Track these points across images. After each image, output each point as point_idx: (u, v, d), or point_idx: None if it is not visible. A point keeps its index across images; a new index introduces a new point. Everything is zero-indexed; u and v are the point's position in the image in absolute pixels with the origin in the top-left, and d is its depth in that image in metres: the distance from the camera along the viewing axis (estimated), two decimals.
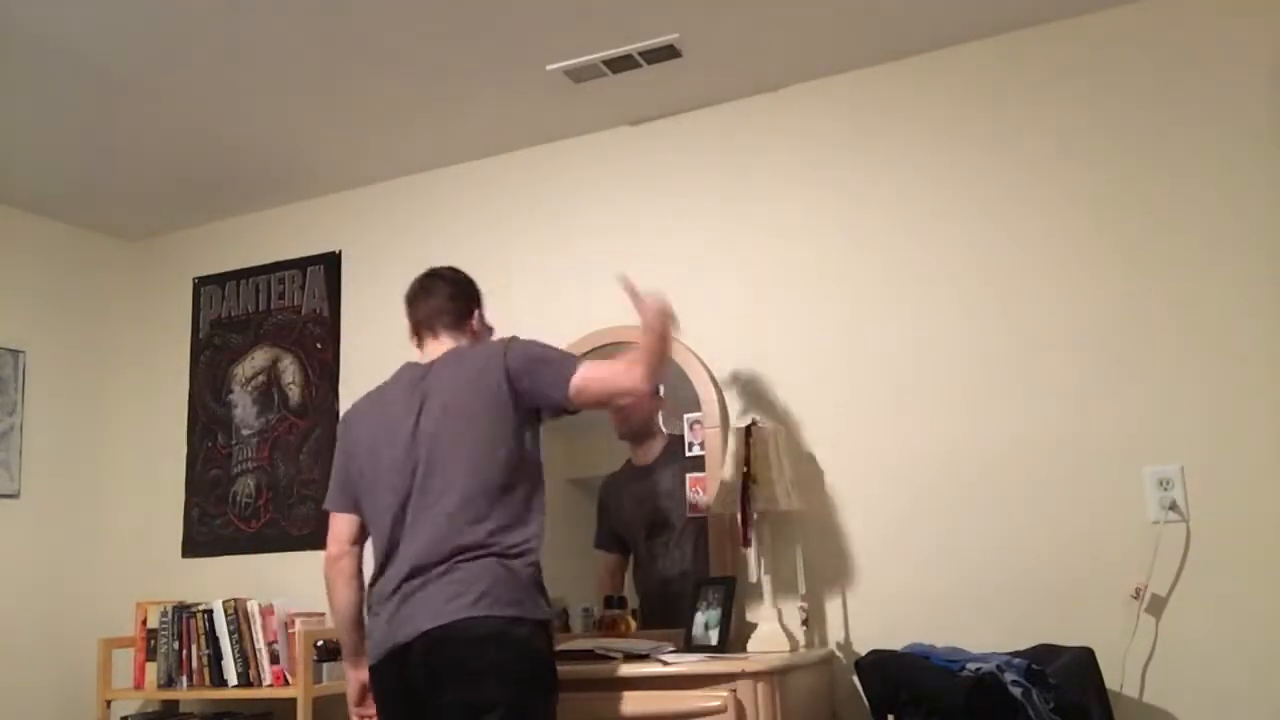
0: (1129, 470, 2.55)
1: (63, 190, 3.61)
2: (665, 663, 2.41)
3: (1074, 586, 2.55)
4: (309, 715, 2.97)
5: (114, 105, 3.03)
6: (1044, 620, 2.54)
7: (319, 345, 3.66)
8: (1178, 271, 2.58)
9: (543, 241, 3.35)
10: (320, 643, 3.06)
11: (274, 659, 3.12)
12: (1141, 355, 2.58)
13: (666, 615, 2.85)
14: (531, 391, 2.23)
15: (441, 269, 2.49)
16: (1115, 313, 2.62)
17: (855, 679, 2.56)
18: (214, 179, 3.58)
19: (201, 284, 3.94)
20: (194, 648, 3.22)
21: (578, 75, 2.95)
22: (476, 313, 2.44)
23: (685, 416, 2.98)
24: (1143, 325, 2.59)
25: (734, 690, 2.30)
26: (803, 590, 2.75)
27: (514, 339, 2.31)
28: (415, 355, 2.40)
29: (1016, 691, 2.13)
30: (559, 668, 2.15)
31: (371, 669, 2.17)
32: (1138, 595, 2.48)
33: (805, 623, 2.71)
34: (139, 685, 3.30)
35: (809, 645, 2.73)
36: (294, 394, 3.67)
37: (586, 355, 2.80)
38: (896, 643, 2.53)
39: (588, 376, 2.20)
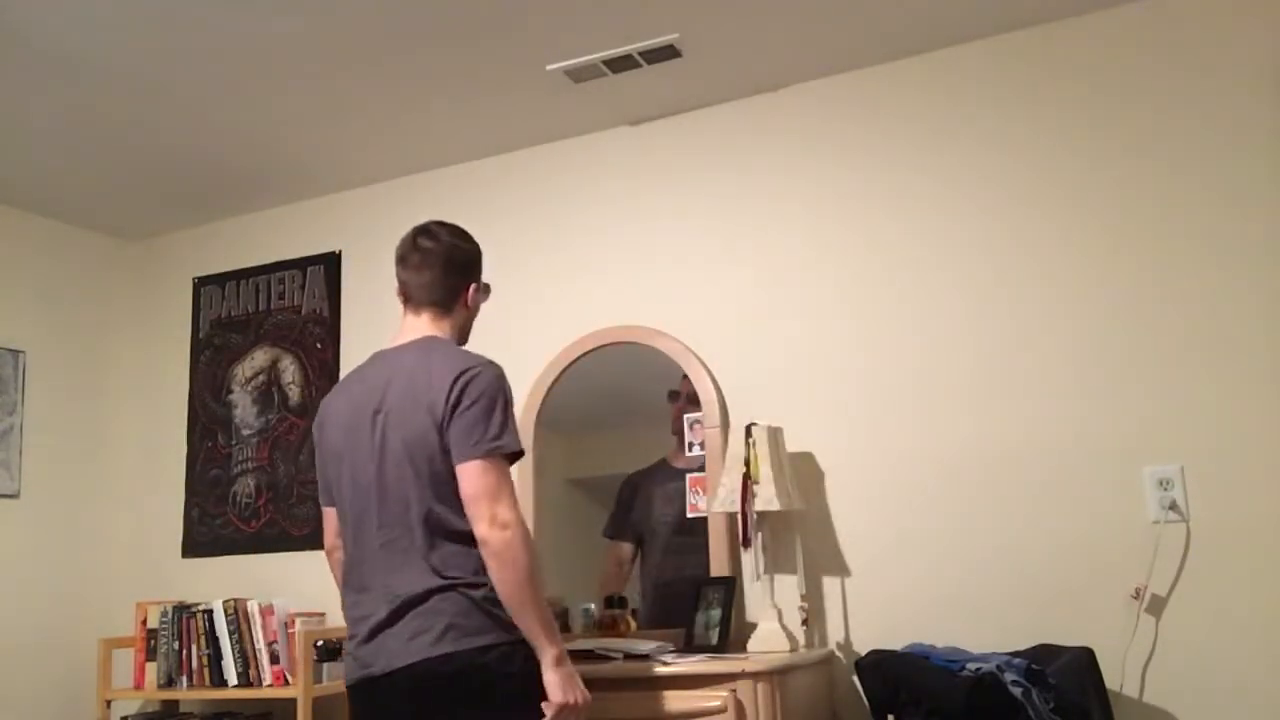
0: (1129, 470, 2.55)
1: (63, 190, 3.61)
2: (665, 663, 2.41)
3: (1074, 586, 2.55)
4: (309, 715, 2.97)
5: (114, 105, 3.03)
6: (1044, 620, 2.54)
7: (319, 345, 3.66)
8: (1178, 271, 2.58)
9: (542, 241, 3.35)
10: (320, 643, 3.06)
11: (274, 659, 3.12)
12: (1142, 355, 2.58)
13: (675, 609, 2.83)
14: (450, 437, 2.03)
15: (439, 230, 2.24)
16: (1116, 313, 2.62)
17: (855, 679, 2.56)
18: (214, 179, 3.58)
19: (201, 284, 3.94)
20: (194, 648, 3.22)
21: (578, 75, 2.95)
22: (472, 287, 2.24)
23: (685, 416, 2.98)
24: (1143, 325, 2.59)
25: (734, 690, 2.30)
26: (803, 590, 2.75)
27: (472, 379, 2.04)
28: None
29: (1016, 691, 2.13)
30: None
31: (348, 688, 2.09)
32: (1138, 595, 2.48)
33: (805, 623, 2.71)
34: (139, 685, 3.30)
35: (809, 645, 2.73)
36: (294, 394, 3.67)
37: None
38: (896, 643, 2.54)
39: (480, 477, 1.97)
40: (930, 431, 2.76)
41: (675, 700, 2.33)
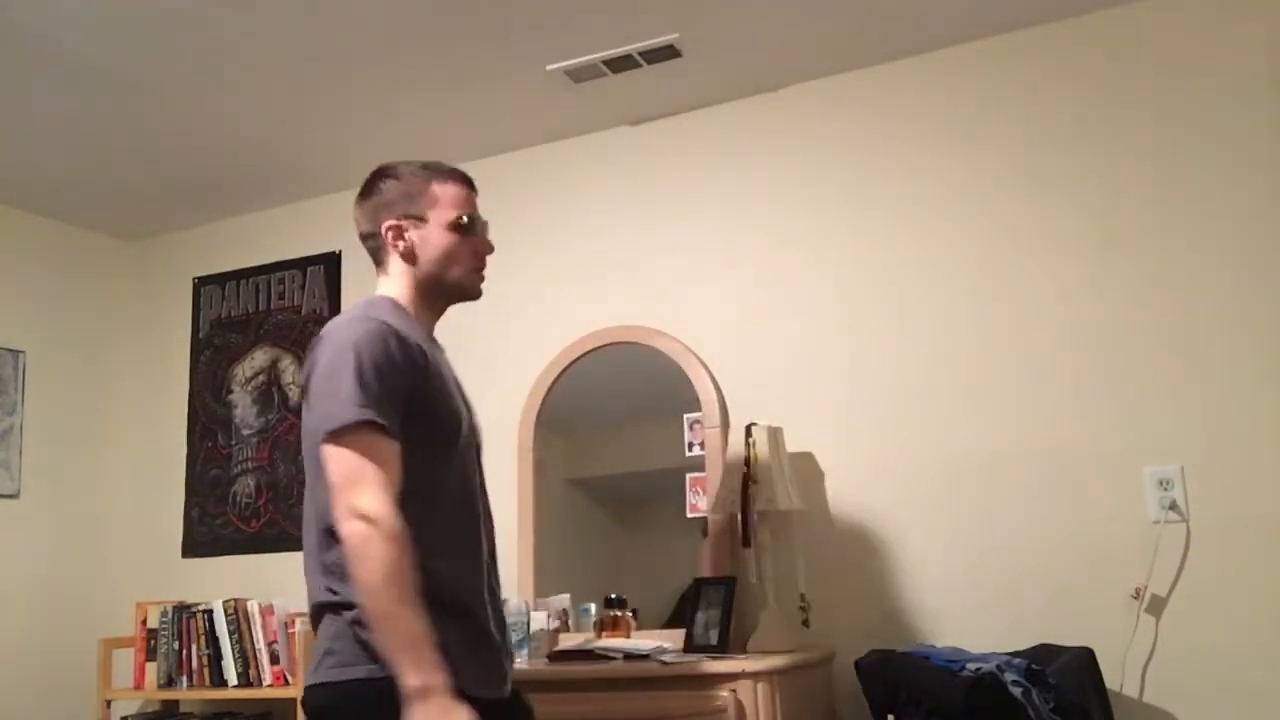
0: (1129, 470, 2.55)
1: (63, 190, 3.61)
2: (665, 663, 2.41)
3: (1074, 586, 2.55)
4: None
5: (114, 105, 3.03)
6: (1044, 620, 2.54)
7: None
8: (1178, 272, 2.58)
9: (542, 241, 3.35)
10: None
11: (274, 659, 3.12)
12: (1142, 355, 2.58)
13: None
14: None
15: (378, 170, 1.88)
16: (1116, 312, 2.62)
17: (855, 679, 2.56)
18: (214, 179, 3.58)
19: (201, 284, 3.94)
20: (194, 648, 3.22)
21: (578, 75, 2.95)
22: (386, 224, 1.81)
23: (685, 416, 2.98)
24: (1144, 325, 2.59)
25: (734, 690, 2.29)
26: (803, 590, 2.75)
27: (320, 341, 1.67)
28: None
29: (1016, 691, 2.13)
30: (561, 667, 2.15)
31: None
32: (1138, 595, 2.48)
33: (805, 623, 2.71)
34: (139, 685, 3.30)
35: (809, 645, 2.73)
36: (294, 394, 3.67)
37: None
38: (896, 643, 2.54)
39: (331, 463, 1.57)
40: (930, 432, 2.76)
41: (675, 700, 2.33)
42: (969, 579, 2.65)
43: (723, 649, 2.61)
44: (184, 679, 3.23)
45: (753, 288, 3.03)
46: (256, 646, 3.15)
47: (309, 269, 3.72)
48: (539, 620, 2.80)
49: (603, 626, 2.86)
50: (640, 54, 2.85)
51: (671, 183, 3.20)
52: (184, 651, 3.24)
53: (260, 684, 3.12)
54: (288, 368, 3.71)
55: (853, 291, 2.92)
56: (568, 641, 2.78)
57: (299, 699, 1.83)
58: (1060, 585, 2.56)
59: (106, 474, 3.88)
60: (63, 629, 3.63)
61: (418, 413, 1.64)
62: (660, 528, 3.05)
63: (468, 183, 1.87)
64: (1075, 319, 2.66)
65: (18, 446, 3.60)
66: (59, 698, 3.56)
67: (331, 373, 1.60)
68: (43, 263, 3.79)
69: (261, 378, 3.75)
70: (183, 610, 3.27)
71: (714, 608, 2.70)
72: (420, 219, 1.81)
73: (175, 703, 3.44)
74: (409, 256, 1.81)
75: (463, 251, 1.82)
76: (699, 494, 2.92)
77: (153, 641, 3.29)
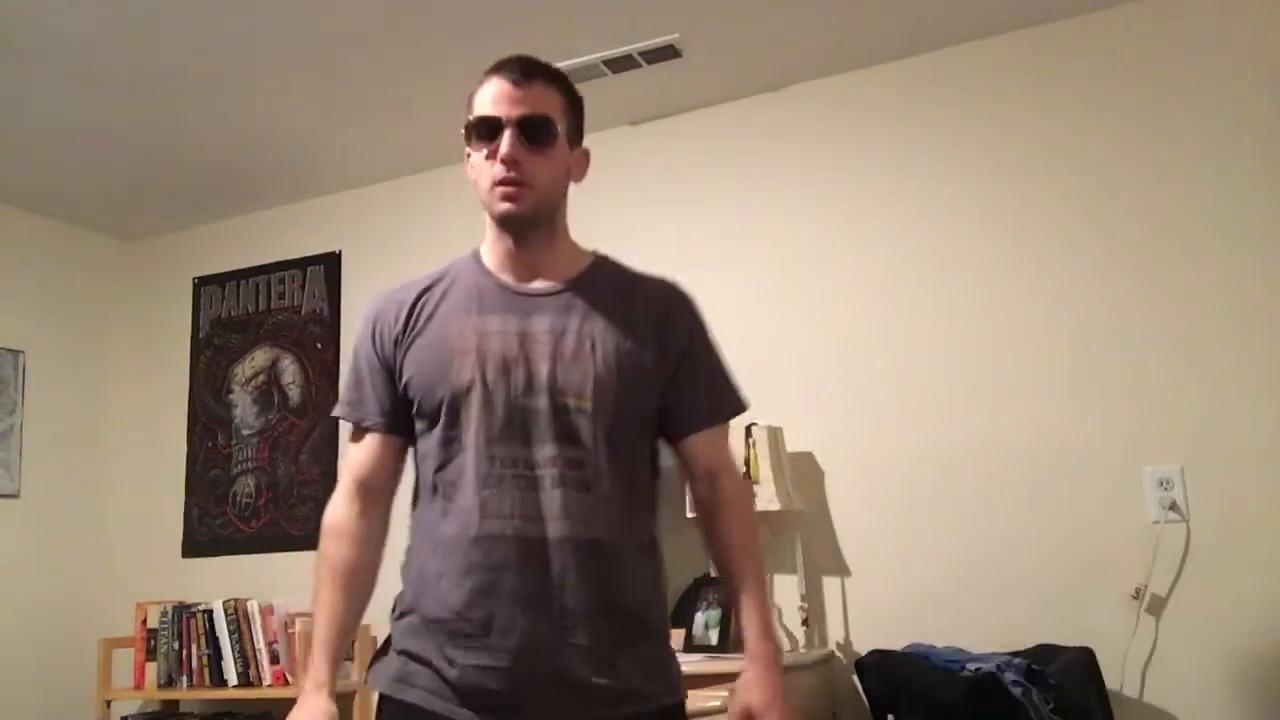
0: (1129, 470, 2.55)
1: (63, 190, 3.61)
2: None
3: (1074, 586, 2.55)
4: None
5: (113, 105, 3.03)
6: (1044, 620, 2.54)
7: (319, 345, 3.66)
8: (1177, 272, 2.58)
9: None
10: None
11: (274, 659, 3.12)
12: (1140, 355, 2.58)
13: None
14: None
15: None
16: (1115, 313, 2.62)
17: (855, 679, 2.56)
18: (214, 179, 3.58)
19: (201, 284, 3.94)
20: (194, 648, 3.22)
21: (578, 75, 2.95)
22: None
23: None
24: (1142, 325, 2.59)
25: (734, 690, 2.29)
26: (803, 590, 2.75)
27: None
28: None
29: (1016, 691, 2.13)
30: None
31: None
32: (1138, 595, 2.48)
33: (805, 623, 2.71)
34: (139, 685, 3.30)
35: (809, 645, 2.73)
36: (294, 394, 3.67)
37: None
38: (896, 643, 2.53)
39: None
40: (930, 432, 2.76)
41: None
42: (969, 579, 2.65)
43: (722, 649, 2.62)
44: (184, 679, 3.23)
45: (752, 288, 3.03)
46: (256, 646, 3.15)
47: (309, 269, 3.72)
48: None
49: None
50: (640, 54, 2.85)
51: (671, 183, 3.20)
52: (184, 651, 3.24)
53: (260, 684, 3.12)
54: (288, 368, 3.71)
55: (852, 291, 2.92)
56: None
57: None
58: (1060, 585, 2.56)
59: (106, 474, 3.88)
60: (63, 629, 3.63)
61: (402, 386, 1.47)
62: (659, 528, 3.04)
63: (494, 70, 1.44)
64: (1076, 319, 2.66)
65: (18, 446, 3.60)
66: (59, 697, 3.56)
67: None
68: (43, 263, 3.79)
69: (261, 378, 3.75)
70: (183, 610, 3.27)
71: (714, 608, 2.71)
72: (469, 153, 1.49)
73: (175, 703, 3.44)
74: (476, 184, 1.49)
75: (477, 168, 1.46)
76: None
77: (153, 641, 3.29)
